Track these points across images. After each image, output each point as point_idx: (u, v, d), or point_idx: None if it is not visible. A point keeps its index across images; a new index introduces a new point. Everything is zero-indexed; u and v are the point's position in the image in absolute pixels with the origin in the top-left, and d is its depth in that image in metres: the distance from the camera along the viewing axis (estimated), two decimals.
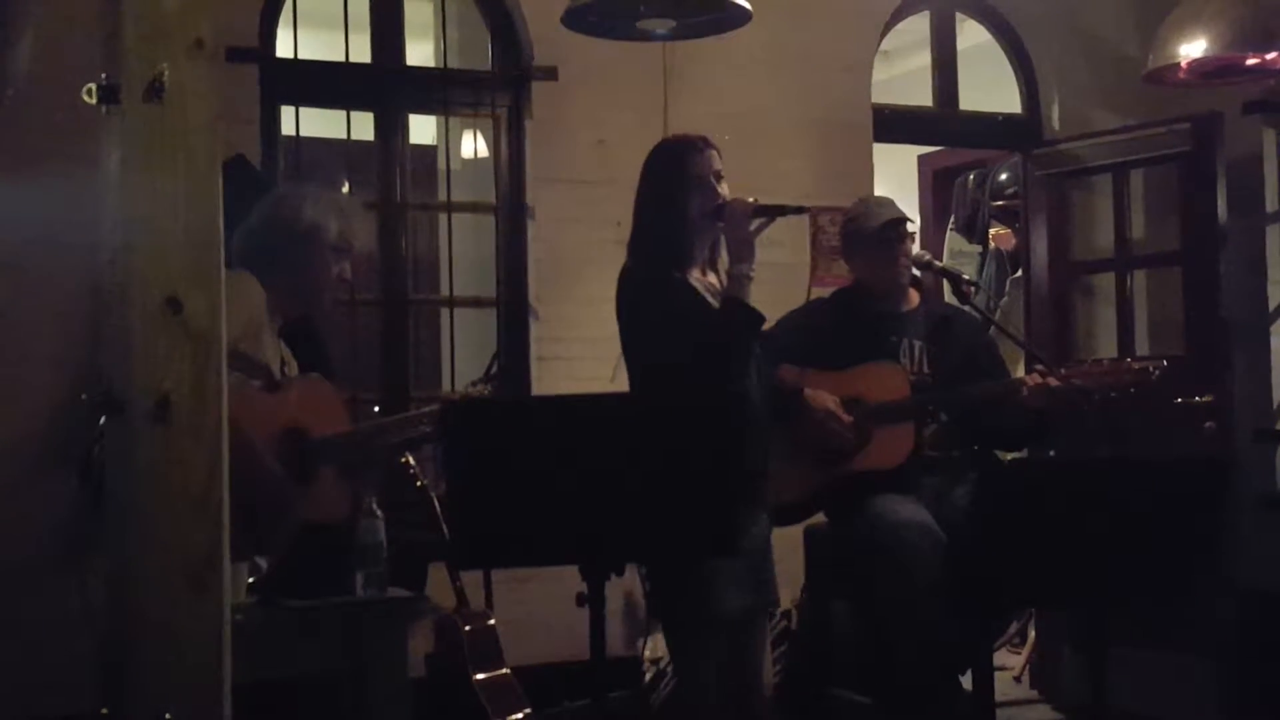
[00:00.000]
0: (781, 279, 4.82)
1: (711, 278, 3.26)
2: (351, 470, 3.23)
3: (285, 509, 3.02)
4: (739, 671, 3.29)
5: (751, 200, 3.20)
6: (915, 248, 4.09)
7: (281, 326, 3.29)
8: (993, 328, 4.38)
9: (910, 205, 5.63)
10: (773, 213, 3.20)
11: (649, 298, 3.20)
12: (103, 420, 2.86)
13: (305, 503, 3.08)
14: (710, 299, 3.20)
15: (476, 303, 4.98)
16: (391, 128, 4.81)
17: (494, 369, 3.50)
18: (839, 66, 5.28)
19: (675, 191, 3.22)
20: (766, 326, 3.26)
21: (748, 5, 3.64)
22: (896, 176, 7.13)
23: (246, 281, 3.10)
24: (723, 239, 3.24)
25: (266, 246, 3.22)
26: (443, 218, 5.03)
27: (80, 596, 3.12)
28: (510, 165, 4.93)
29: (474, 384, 3.48)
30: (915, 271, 4.04)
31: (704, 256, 3.26)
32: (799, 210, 3.23)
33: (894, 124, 5.50)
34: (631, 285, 3.23)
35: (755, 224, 3.18)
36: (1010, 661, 5.68)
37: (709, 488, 2.55)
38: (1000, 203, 6.52)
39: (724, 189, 3.24)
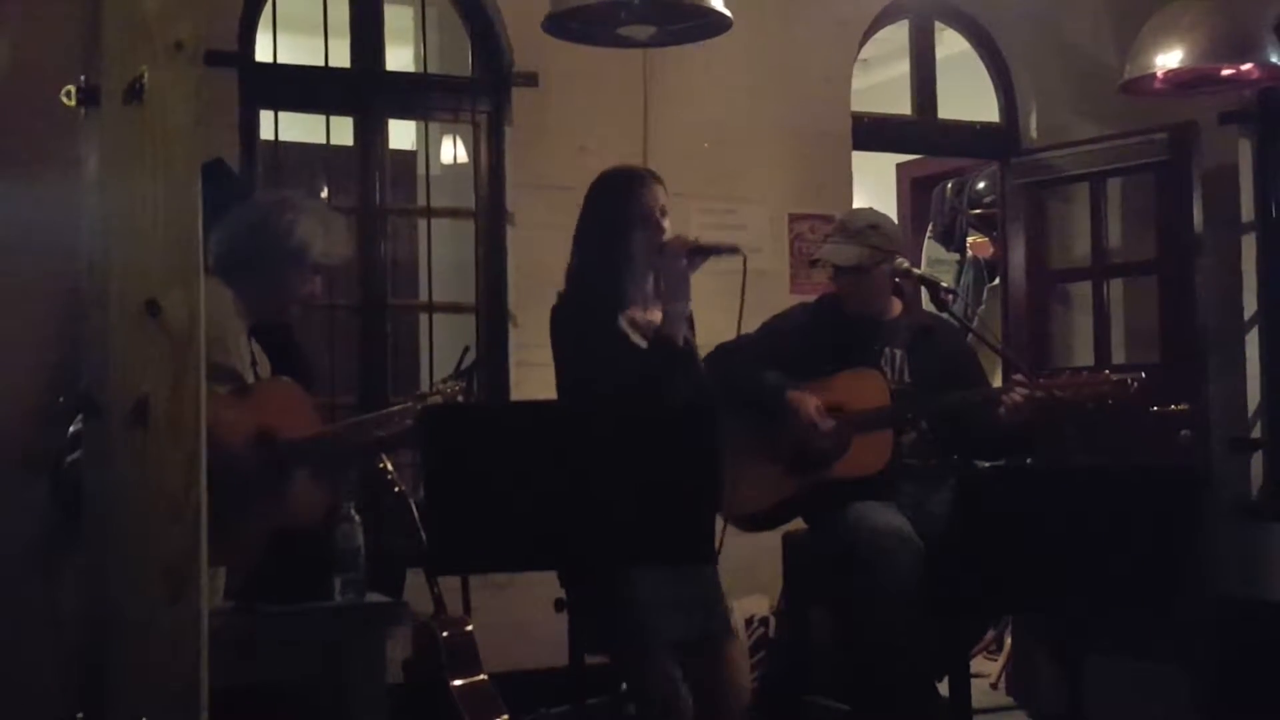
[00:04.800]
0: (760, 285, 4.83)
1: (654, 314, 3.24)
2: (326, 472, 3.22)
3: (258, 513, 3.01)
4: (703, 692, 3.27)
5: (692, 239, 3.21)
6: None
7: (252, 327, 3.29)
8: (971, 335, 4.39)
9: (889, 213, 5.63)
10: (706, 252, 3.21)
11: (574, 339, 3.20)
12: (73, 428, 2.86)
13: (279, 506, 3.07)
14: (640, 340, 3.20)
15: (455, 308, 4.97)
16: (371, 132, 4.81)
17: (464, 364, 3.50)
18: (818, 74, 5.29)
19: (619, 226, 3.22)
20: (751, 330, 3.27)
21: (728, 13, 3.65)
22: (875, 184, 7.15)
23: (213, 287, 3.09)
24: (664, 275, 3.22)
25: (248, 254, 3.22)
26: (422, 223, 5.03)
27: (51, 602, 3.11)
28: (490, 171, 4.93)
29: (445, 380, 3.48)
30: (894, 279, 4.05)
31: (645, 293, 3.25)
32: (732, 250, 3.20)
33: (873, 132, 5.52)
34: (560, 325, 3.24)
35: (687, 262, 3.18)
36: (987, 668, 5.69)
37: (685, 494, 2.55)
38: (978, 211, 6.55)
39: (667, 225, 3.23)
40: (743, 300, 3.14)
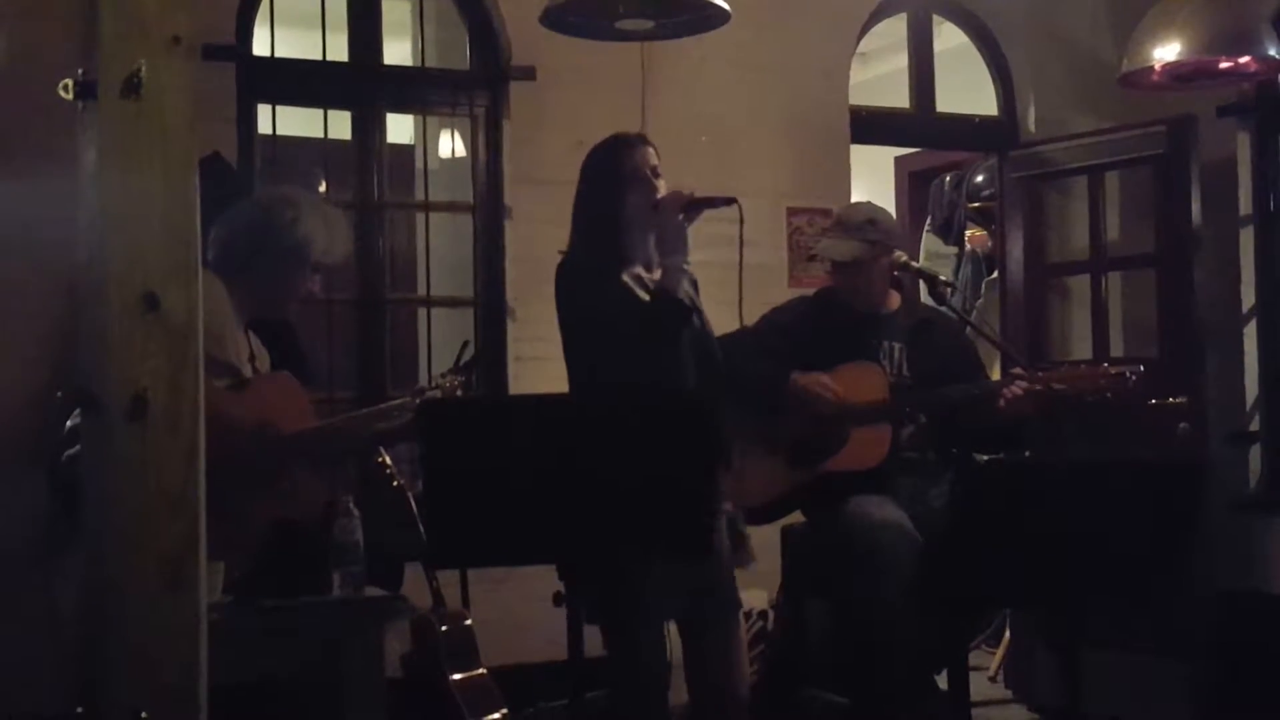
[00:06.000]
0: (758, 279, 4.83)
1: (658, 273, 3.26)
2: (324, 466, 3.22)
3: (256, 507, 3.01)
4: (700, 676, 3.28)
5: (688, 193, 3.21)
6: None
7: (250, 322, 3.29)
8: (969, 328, 4.40)
9: (887, 207, 5.62)
10: (702, 205, 3.22)
11: (579, 294, 3.22)
12: (69, 423, 2.86)
13: (277, 500, 3.07)
14: (644, 295, 3.21)
15: (454, 302, 4.97)
16: (369, 127, 4.80)
17: (463, 358, 3.50)
18: (816, 68, 5.29)
19: (612, 187, 3.24)
20: (747, 324, 3.27)
21: (726, 6, 3.65)
22: (873, 178, 7.15)
23: (210, 282, 3.08)
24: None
25: (249, 251, 3.22)
26: (420, 217, 5.03)
27: (48, 597, 3.11)
28: (488, 165, 4.93)
29: (444, 374, 3.48)
30: (892, 272, 4.05)
31: (648, 253, 3.27)
32: (727, 202, 3.21)
33: (871, 125, 5.52)
34: (564, 282, 3.25)
35: (683, 215, 3.20)
36: (985, 661, 5.70)
37: (685, 488, 2.55)
38: (976, 204, 6.54)
39: (661, 185, 3.25)
40: (741, 253, 3.13)
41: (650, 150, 3.29)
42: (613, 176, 3.25)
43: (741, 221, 3.15)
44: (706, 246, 3.30)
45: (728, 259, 3.22)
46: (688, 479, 2.56)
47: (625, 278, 3.21)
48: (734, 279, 3.20)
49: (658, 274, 3.24)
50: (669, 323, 3.18)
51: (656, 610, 3.15)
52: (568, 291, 3.24)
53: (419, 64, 5.12)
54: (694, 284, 3.32)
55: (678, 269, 3.18)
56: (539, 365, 4.75)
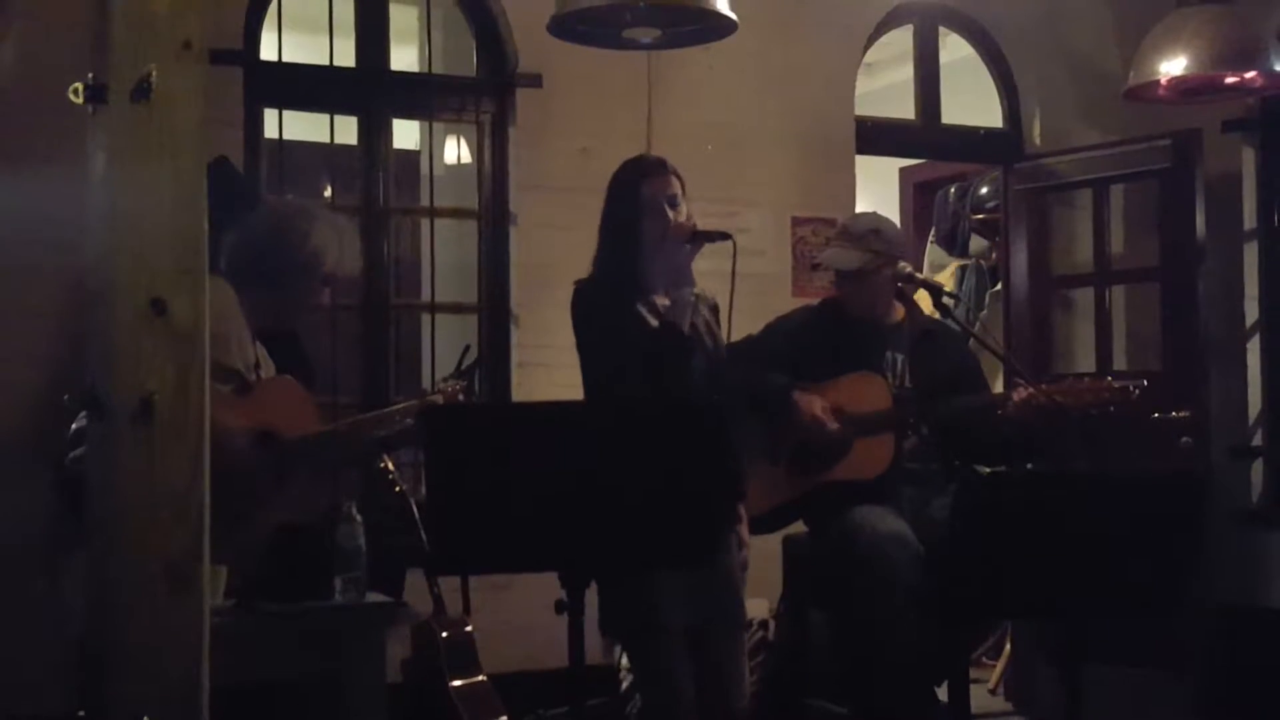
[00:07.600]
0: (762, 288, 4.84)
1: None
2: (327, 471, 3.22)
3: (259, 512, 3.01)
4: (699, 689, 3.27)
5: (690, 225, 3.22)
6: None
7: (257, 330, 3.29)
8: (973, 340, 4.40)
9: (891, 217, 5.61)
10: (701, 238, 3.23)
11: (592, 320, 3.22)
12: (75, 425, 2.87)
13: (281, 505, 3.07)
14: (656, 322, 3.21)
15: (458, 308, 4.98)
16: (375, 132, 4.81)
17: (464, 362, 3.50)
18: (822, 78, 5.30)
19: (628, 214, 3.24)
20: (752, 332, 3.27)
21: (733, 16, 3.65)
22: (878, 188, 7.16)
23: (218, 286, 3.08)
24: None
25: (261, 261, 3.22)
26: (425, 223, 5.03)
27: (54, 598, 3.11)
28: (493, 171, 4.94)
29: (446, 379, 3.48)
30: (896, 283, 4.05)
31: (666, 278, 3.27)
32: (724, 237, 3.21)
33: (876, 136, 5.53)
34: (578, 307, 3.26)
35: (687, 249, 3.20)
36: (986, 674, 5.69)
37: (689, 496, 2.55)
38: (981, 216, 6.55)
39: (674, 214, 3.24)
40: (733, 285, 3.14)
41: (670, 179, 3.27)
42: (629, 202, 3.25)
43: (735, 257, 3.13)
44: (718, 255, 3.29)
45: (740, 269, 3.22)
46: (694, 488, 2.56)
47: (640, 305, 3.22)
48: (747, 289, 3.20)
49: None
50: (672, 356, 3.18)
51: (669, 617, 3.14)
52: (582, 316, 3.25)
53: (426, 70, 5.13)
54: (713, 309, 3.32)
55: (684, 301, 3.19)
56: (542, 371, 4.76)
